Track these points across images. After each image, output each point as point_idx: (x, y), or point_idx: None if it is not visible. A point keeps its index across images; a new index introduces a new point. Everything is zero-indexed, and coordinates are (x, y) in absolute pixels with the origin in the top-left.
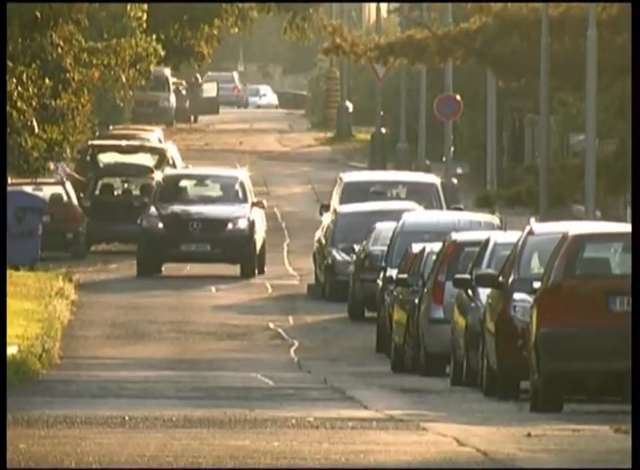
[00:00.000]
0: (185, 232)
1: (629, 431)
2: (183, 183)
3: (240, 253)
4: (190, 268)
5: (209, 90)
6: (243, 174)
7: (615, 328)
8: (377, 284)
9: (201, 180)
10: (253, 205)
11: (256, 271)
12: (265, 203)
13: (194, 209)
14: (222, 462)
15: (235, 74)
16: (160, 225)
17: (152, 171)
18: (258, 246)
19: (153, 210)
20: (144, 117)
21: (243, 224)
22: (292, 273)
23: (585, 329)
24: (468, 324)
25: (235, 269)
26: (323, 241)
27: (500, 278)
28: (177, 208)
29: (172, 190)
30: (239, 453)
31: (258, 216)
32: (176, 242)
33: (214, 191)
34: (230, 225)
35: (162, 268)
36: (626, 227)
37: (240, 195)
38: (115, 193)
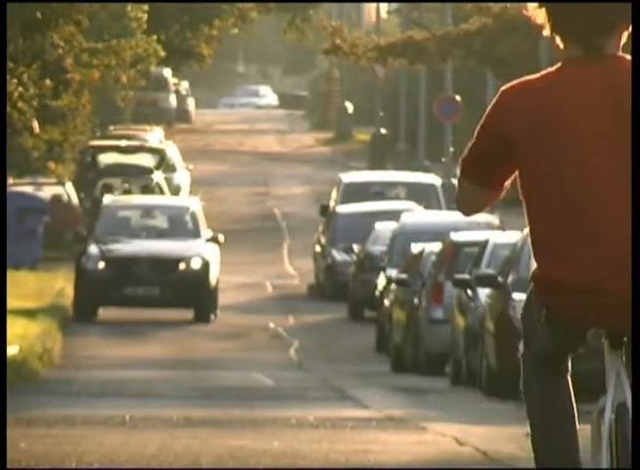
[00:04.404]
0: (130, 273)
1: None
2: (127, 214)
3: (193, 296)
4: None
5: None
6: (194, 204)
7: None
8: (376, 284)
9: (147, 211)
10: (208, 240)
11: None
12: (222, 238)
13: (140, 245)
14: (222, 462)
15: None
16: (102, 265)
17: (152, 172)
18: (212, 287)
19: (93, 246)
20: (144, 117)
21: (196, 264)
22: (292, 273)
23: None
24: (467, 324)
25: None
26: (322, 241)
27: (500, 278)
28: (121, 244)
29: (114, 222)
30: (239, 453)
31: (213, 253)
32: (119, 284)
33: (162, 223)
34: (182, 265)
35: (99, 312)
36: None
37: (191, 228)
38: (115, 193)
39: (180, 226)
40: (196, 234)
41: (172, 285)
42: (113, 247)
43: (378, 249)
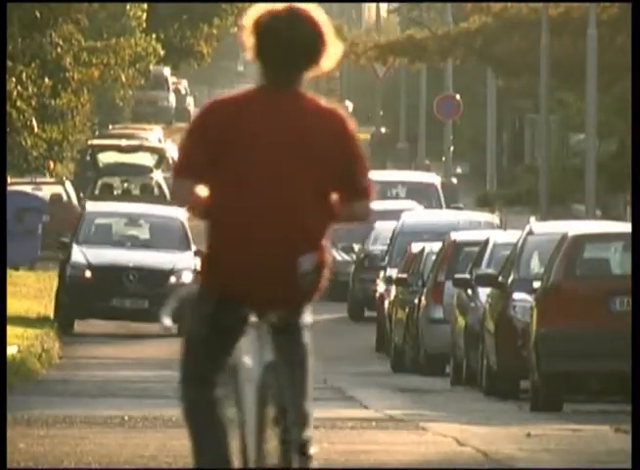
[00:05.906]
0: (119, 284)
1: (629, 431)
2: (110, 221)
3: (182, 311)
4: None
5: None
6: (183, 215)
7: (614, 328)
8: (376, 284)
9: (133, 220)
10: (196, 254)
11: None
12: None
13: (129, 256)
14: None
15: None
16: (88, 274)
17: (151, 171)
18: None
19: (78, 253)
20: (143, 116)
21: (187, 278)
22: None
23: (585, 329)
24: (467, 324)
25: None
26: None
27: (500, 278)
28: (109, 253)
29: (97, 229)
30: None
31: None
32: (107, 295)
33: (149, 233)
34: (173, 278)
35: (75, 325)
36: (626, 227)
37: (180, 240)
38: (115, 193)
39: (169, 237)
40: (186, 246)
41: (162, 299)
42: (99, 256)
43: (378, 249)
